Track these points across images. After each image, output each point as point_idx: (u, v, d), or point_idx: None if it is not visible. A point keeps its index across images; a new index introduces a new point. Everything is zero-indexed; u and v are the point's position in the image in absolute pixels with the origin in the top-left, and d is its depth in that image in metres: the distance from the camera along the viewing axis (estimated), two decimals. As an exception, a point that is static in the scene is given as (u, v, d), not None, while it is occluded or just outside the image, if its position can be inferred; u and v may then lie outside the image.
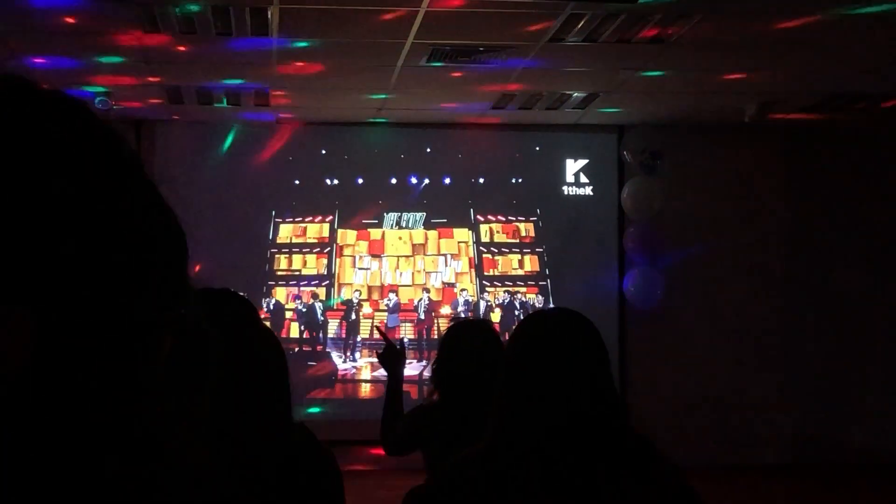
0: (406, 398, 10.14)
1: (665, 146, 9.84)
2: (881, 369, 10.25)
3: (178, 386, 1.56)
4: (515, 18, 6.46)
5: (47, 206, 0.64)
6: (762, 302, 10.24)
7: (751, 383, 10.18)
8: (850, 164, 10.34)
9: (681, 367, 10.11)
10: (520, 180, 10.34)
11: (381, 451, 4.64)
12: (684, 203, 10.16)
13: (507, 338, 2.89)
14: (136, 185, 0.70)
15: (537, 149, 10.26)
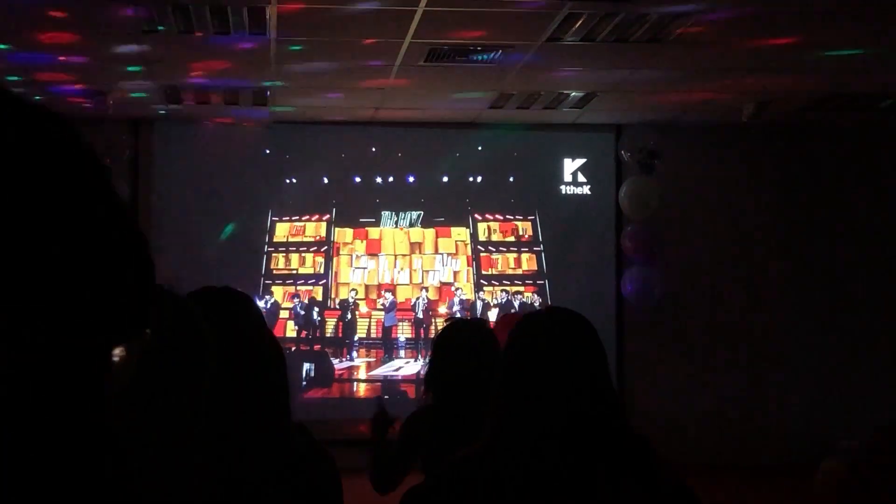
0: (404, 398, 10.17)
1: (663, 146, 9.84)
2: (881, 369, 10.25)
3: (174, 386, 1.56)
4: (513, 18, 6.46)
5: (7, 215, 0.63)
6: (760, 301, 10.25)
7: (749, 383, 10.18)
8: (848, 163, 10.35)
9: (679, 367, 10.11)
10: (518, 179, 10.33)
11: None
12: (682, 202, 10.16)
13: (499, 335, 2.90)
14: (90, 182, 0.69)
15: (535, 148, 10.25)
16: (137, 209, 9.64)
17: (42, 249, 0.64)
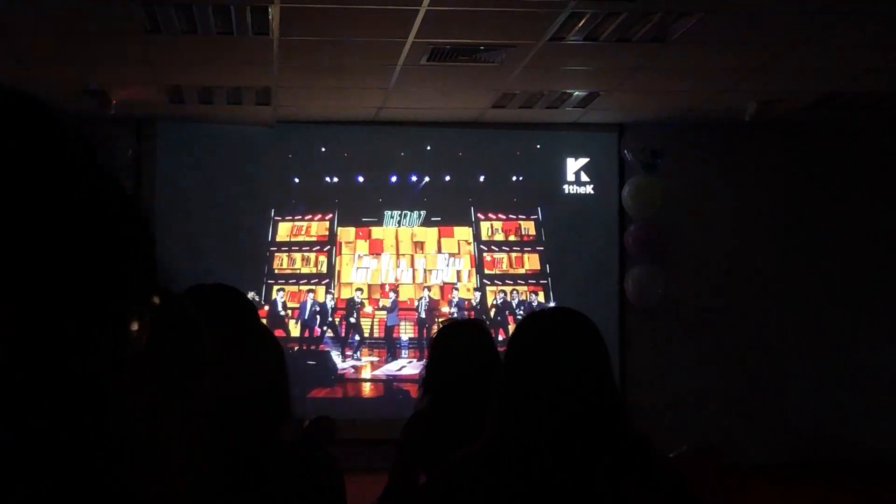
0: (406, 397, 10.10)
1: (666, 145, 9.84)
2: (883, 368, 10.25)
3: (173, 385, 1.56)
4: (516, 17, 6.46)
5: (11, 202, 0.64)
6: (763, 300, 10.24)
7: (752, 382, 10.17)
8: (851, 162, 10.34)
9: (681, 366, 10.11)
10: (520, 178, 10.33)
11: (381, 452, 4.55)
12: (685, 202, 10.16)
13: (498, 333, 2.88)
14: (92, 174, 0.70)
15: (538, 147, 10.24)
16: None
17: (43, 225, 0.64)
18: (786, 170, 10.31)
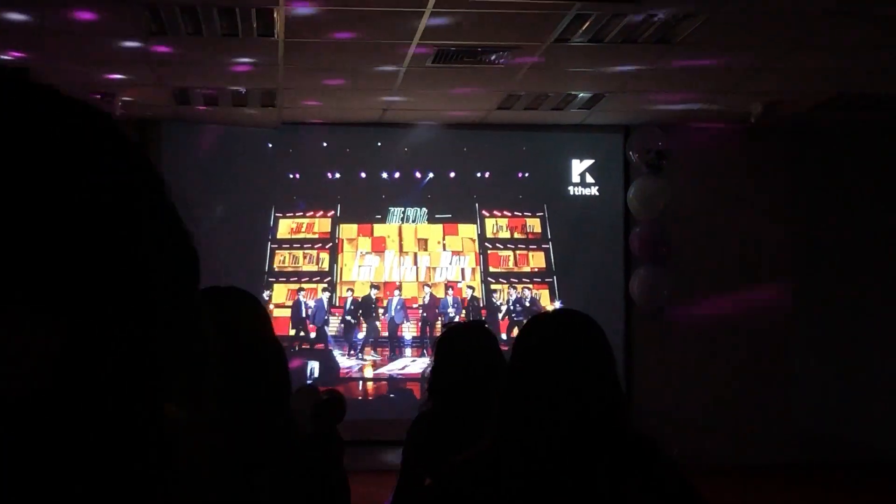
0: (409, 395, 9.99)
1: (670, 146, 9.83)
2: (888, 369, 10.24)
3: (180, 386, 1.56)
4: (521, 19, 6.46)
5: (74, 211, 0.65)
6: (768, 301, 10.23)
7: (757, 383, 10.16)
8: (856, 163, 10.33)
9: (686, 367, 10.10)
10: (526, 176, 10.29)
11: (384, 452, 4.55)
12: (690, 203, 10.15)
13: (499, 332, 2.89)
14: (156, 196, 0.72)
15: (543, 149, 10.22)
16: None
17: (89, 236, 0.65)
18: (791, 171, 10.30)
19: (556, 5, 6.15)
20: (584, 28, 6.63)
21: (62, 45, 7.09)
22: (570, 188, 10.29)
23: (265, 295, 10.10)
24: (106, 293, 0.65)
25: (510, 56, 7.38)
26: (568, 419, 2.24)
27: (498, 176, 10.35)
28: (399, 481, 3.75)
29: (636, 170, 10.03)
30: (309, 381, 9.78)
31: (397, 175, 10.30)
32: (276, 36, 6.81)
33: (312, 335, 10.26)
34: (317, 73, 7.93)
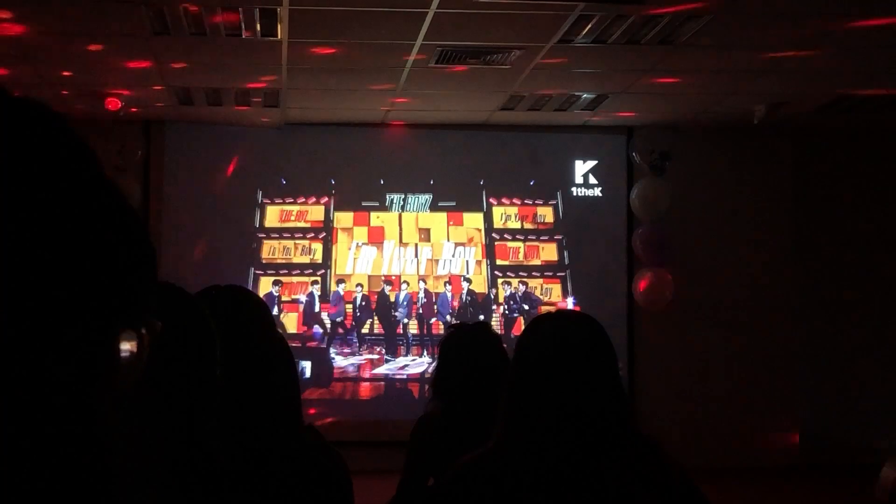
0: (408, 396, 9.72)
1: (674, 147, 9.83)
2: (888, 370, 10.23)
3: (182, 385, 1.56)
4: (524, 20, 6.46)
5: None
6: (770, 303, 10.22)
7: (759, 384, 10.16)
8: (859, 166, 10.33)
9: (689, 368, 10.09)
10: (529, 176, 10.18)
11: (382, 454, 4.49)
12: (693, 204, 10.14)
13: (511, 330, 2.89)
14: (103, 188, 0.70)
15: (546, 150, 10.17)
16: (149, 210, 9.64)
17: (41, 236, 0.64)
18: (794, 172, 10.30)
19: (560, 6, 6.15)
20: (587, 29, 6.62)
21: (64, 45, 7.09)
22: (573, 189, 10.25)
23: (273, 291, 9.66)
24: (50, 289, 0.64)
25: (514, 57, 7.38)
26: (572, 420, 2.24)
27: (507, 162, 9.91)
28: (402, 481, 3.75)
29: (639, 171, 10.02)
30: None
31: (397, 158, 9.78)
32: (279, 36, 6.80)
33: (300, 333, 9.77)
34: (320, 73, 7.93)
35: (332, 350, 9.84)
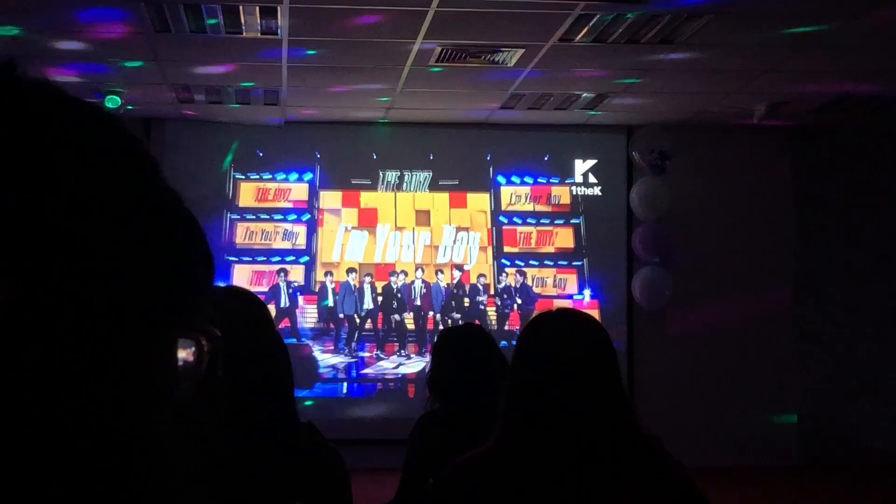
0: (403, 396, 9.38)
1: (674, 147, 9.82)
2: (889, 370, 10.23)
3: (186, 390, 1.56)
4: (525, 18, 6.46)
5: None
6: (770, 302, 10.22)
7: (759, 384, 10.16)
8: (859, 165, 10.32)
9: (689, 368, 10.09)
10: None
11: (375, 454, 4.42)
12: (693, 203, 10.14)
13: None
14: (166, 196, 0.70)
15: (545, 149, 10.14)
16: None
17: (105, 241, 0.64)
18: (794, 172, 10.30)
19: (560, 5, 6.15)
20: (587, 28, 6.62)
21: (66, 43, 7.09)
22: (573, 188, 10.22)
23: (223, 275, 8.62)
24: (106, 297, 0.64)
25: (514, 56, 7.38)
26: (573, 420, 2.24)
27: (517, 136, 9.06)
28: (402, 481, 3.76)
29: (639, 170, 10.02)
30: None
31: (393, 130, 8.85)
32: (279, 34, 6.80)
33: (283, 328, 8.82)
34: (320, 71, 7.93)
35: (315, 347, 9.07)
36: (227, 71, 7.91)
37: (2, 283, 0.58)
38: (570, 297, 9.36)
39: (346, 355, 8.92)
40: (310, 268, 8.65)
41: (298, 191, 8.64)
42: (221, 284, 2.31)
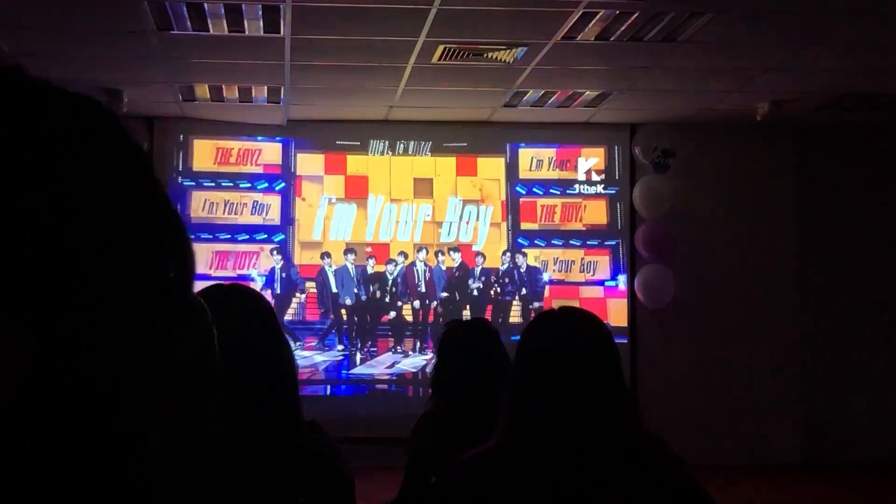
0: (403, 395, 9.26)
1: (677, 145, 9.82)
2: (890, 370, 10.22)
3: (187, 385, 1.56)
4: (528, 16, 6.46)
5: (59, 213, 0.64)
6: (773, 300, 10.22)
7: (762, 382, 10.16)
8: (862, 162, 10.32)
9: (692, 366, 10.09)
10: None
11: (380, 450, 4.45)
12: (696, 201, 10.14)
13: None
14: (152, 193, 0.71)
15: (549, 146, 10.11)
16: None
17: (92, 236, 0.65)
18: (797, 170, 10.29)
19: (564, 3, 6.15)
20: (590, 26, 6.62)
21: (68, 42, 7.09)
22: (576, 186, 10.20)
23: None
24: (88, 295, 0.64)
25: (517, 54, 7.37)
26: (576, 418, 2.24)
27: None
28: (404, 480, 3.76)
29: (642, 168, 10.01)
30: None
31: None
32: (282, 32, 6.81)
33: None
34: (323, 70, 7.93)
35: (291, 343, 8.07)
36: (230, 70, 7.91)
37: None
38: (601, 283, 7.82)
39: (325, 351, 7.63)
40: (285, 247, 7.08)
41: (270, 152, 7.03)
42: (224, 284, 2.31)
